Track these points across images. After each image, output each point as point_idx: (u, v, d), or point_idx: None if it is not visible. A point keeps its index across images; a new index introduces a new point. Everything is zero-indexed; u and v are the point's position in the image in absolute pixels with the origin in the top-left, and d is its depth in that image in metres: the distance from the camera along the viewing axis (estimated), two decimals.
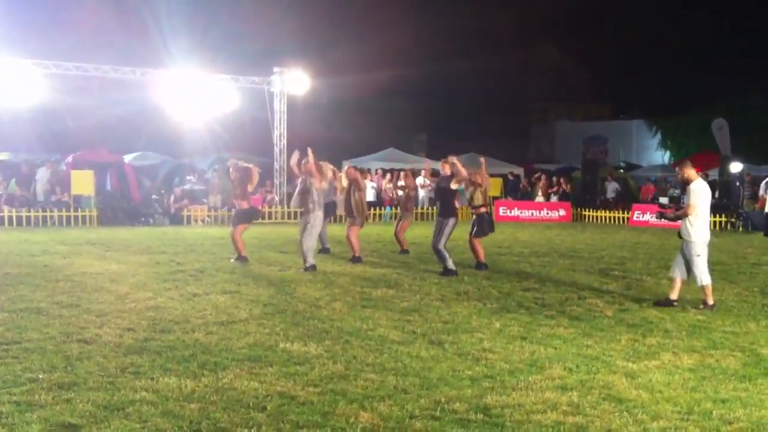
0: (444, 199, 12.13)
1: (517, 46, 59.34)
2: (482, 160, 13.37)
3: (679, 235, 9.33)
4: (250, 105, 26.81)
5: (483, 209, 12.71)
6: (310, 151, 12.23)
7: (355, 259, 13.37)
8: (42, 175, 23.81)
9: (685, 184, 9.54)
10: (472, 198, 12.77)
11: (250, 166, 13.89)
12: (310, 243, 12.19)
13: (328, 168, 13.21)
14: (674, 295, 9.26)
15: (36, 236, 17.73)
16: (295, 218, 24.75)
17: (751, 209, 23.40)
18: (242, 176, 13.44)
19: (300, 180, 12.53)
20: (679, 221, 9.27)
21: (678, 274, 9.31)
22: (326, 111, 39.72)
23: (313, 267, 12.06)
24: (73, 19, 38.62)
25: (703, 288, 9.23)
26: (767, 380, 6.12)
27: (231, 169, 13.95)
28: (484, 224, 12.65)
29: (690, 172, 9.32)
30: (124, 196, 23.64)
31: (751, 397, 5.67)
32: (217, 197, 24.89)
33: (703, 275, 9.16)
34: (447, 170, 12.14)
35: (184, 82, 24.28)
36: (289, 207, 25.05)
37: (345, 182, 13.89)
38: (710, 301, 9.21)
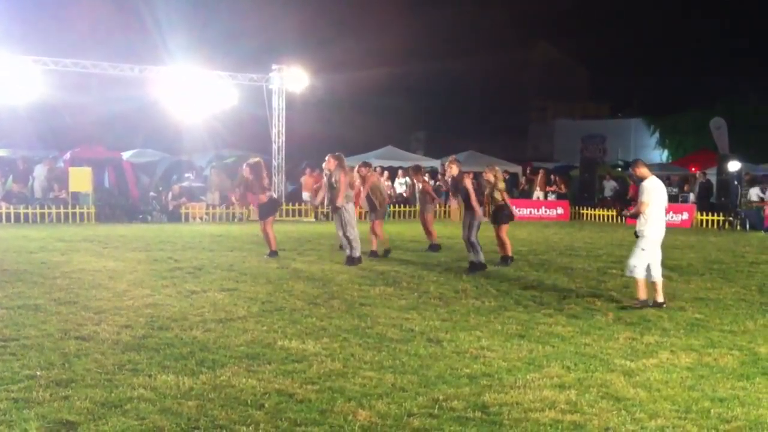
0: (465, 196, 12.36)
1: (516, 44, 59.42)
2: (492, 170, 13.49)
3: (636, 234, 9.31)
4: (248, 102, 26.77)
5: (501, 202, 13.14)
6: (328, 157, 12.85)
7: (372, 254, 13.54)
8: (39, 172, 23.76)
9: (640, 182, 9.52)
10: (491, 196, 13.11)
11: (259, 160, 14.01)
12: (355, 233, 12.52)
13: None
14: (660, 298, 9.21)
15: (34, 233, 17.71)
16: (294, 216, 24.75)
17: (749, 208, 23.41)
18: (257, 172, 13.52)
19: (325, 176, 12.93)
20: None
21: (655, 277, 9.25)
22: (325, 108, 39.74)
23: (360, 259, 12.49)
24: (71, 16, 38.61)
25: (636, 281, 9.16)
26: (765, 379, 6.12)
27: (245, 167, 13.93)
28: (502, 214, 13.12)
29: (642, 170, 9.39)
30: (122, 193, 23.61)
31: (748, 395, 5.68)
32: (216, 194, 24.87)
33: (637, 268, 9.07)
34: (454, 170, 12.51)
35: (182, 79, 24.23)
36: (288, 205, 25.05)
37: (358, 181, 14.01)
38: (643, 296, 9.11)
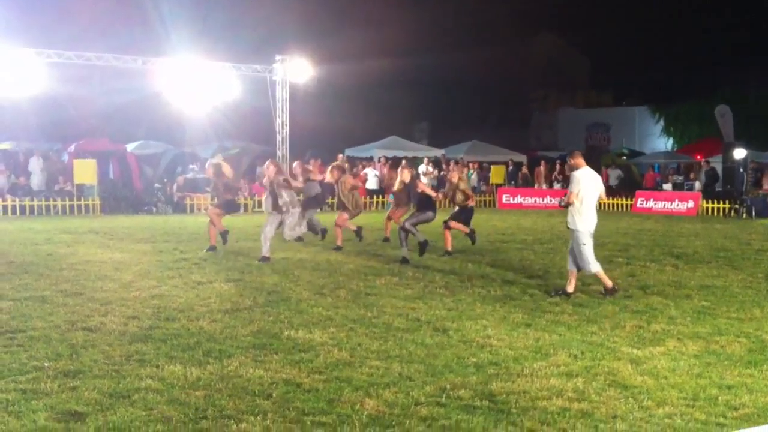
0: (418, 200, 12.35)
1: (517, 33, 59.15)
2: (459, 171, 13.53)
3: (568, 225, 9.21)
4: (252, 93, 26.70)
5: (469, 202, 13.01)
6: (268, 162, 12.42)
7: (336, 248, 13.36)
8: (34, 165, 23.76)
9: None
10: (454, 196, 13.06)
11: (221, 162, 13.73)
12: (269, 233, 11.92)
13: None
14: (570, 288, 9.11)
15: (39, 225, 17.75)
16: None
17: (755, 196, 23.36)
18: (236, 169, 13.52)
19: (268, 183, 12.15)
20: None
21: (574, 267, 9.15)
22: (329, 99, 39.61)
23: (267, 259, 11.77)
24: (74, 8, 38.50)
25: (596, 275, 9.04)
26: None
27: (214, 164, 13.58)
28: (461, 214, 12.98)
29: (577, 160, 9.21)
30: (127, 185, 23.65)
31: (756, 383, 5.67)
32: None
33: (590, 264, 8.96)
34: (405, 175, 12.53)
35: (185, 70, 24.18)
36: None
37: (330, 177, 13.90)
38: (609, 284, 9.03)
